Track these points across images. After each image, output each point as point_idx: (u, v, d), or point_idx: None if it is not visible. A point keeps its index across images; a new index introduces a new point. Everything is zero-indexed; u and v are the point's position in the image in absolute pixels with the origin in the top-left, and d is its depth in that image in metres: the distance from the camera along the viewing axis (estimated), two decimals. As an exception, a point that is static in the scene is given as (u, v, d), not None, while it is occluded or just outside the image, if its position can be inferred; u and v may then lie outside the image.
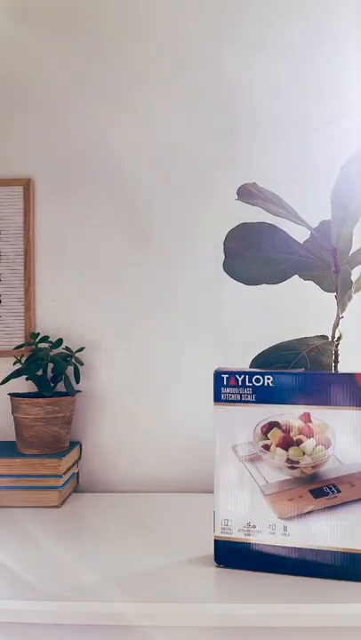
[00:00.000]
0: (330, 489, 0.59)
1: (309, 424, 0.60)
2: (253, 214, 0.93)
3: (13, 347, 0.95)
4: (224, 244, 0.80)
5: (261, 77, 0.95)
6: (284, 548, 0.59)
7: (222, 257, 0.82)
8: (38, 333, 0.92)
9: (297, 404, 0.60)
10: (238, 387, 0.62)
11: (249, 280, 0.79)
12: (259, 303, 0.95)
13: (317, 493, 0.59)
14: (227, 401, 0.63)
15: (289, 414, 0.60)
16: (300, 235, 0.85)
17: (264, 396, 0.61)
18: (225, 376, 0.63)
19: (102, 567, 0.62)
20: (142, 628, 0.54)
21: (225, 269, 0.79)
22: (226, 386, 0.63)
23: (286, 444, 0.60)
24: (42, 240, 0.97)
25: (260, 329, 0.94)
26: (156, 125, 0.96)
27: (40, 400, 0.84)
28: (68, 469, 0.86)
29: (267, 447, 0.61)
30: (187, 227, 0.96)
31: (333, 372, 0.64)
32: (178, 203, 0.96)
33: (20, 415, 0.85)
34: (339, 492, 0.59)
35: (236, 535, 0.61)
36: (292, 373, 0.62)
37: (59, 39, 0.97)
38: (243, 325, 0.94)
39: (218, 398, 0.63)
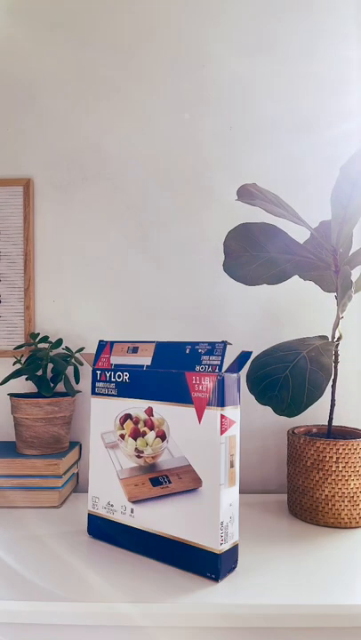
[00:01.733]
0: (163, 479, 0.64)
1: (151, 417, 0.65)
2: (253, 214, 0.93)
3: (13, 347, 0.95)
4: (224, 244, 0.80)
5: (261, 77, 0.95)
6: (131, 528, 0.66)
7: (222, 257, 0.82)
8: (38, 333, 0.92)
9: (144, 398, 0.66)
10: (106, 382, 0.70)
11: (249, 280, 0.79)
12: (259, 303, 0.95)
13: (155, 482, 0.65)
14: (99, 394, 0.71)
15: (139, 407, 0.67)
16: (300, 235, 0.86)
17: (123, 390, 0.69)
18: (98, 372, 0.71)
19: (102, 567, 0.62)
20: (142, 627, 0.54)
21: (225, 269, 0.80)
22: (98, 380, 0.71)
23: (135, 434, 0.67)
24: (42, 240, 0.97)
25: (260, 329, 0.94)
26: (157, 125, 0.96)
27: (40, 400, 0.84)
28: (68, 470, 0.86)
29: (122, 436, 0.68)
30: (187, 227, 0.96)
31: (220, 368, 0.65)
32: (178, 203, 0.96)
33: (20, 415, 0.85)
34: (170, 482, 0.63)
35: (101, 512, 0.69)
36: (141, 371, 0.67)
37: (59, 39, 0.97)
38: (243, 325, 0.95)
39: (93, 391, 0.72)
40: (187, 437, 0.61)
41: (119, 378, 0.69)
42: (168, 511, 0.62)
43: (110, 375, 0.70)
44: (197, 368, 0.61)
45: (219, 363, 0.60)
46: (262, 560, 0.64)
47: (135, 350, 0.69)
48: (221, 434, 0.59)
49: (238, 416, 0.61)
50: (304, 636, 0.54)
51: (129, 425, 0.67)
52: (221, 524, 0.58)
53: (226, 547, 0.59)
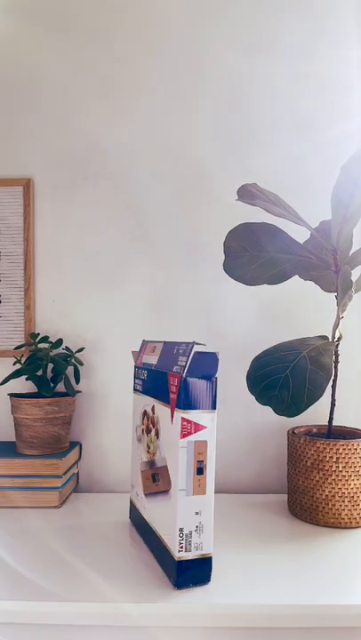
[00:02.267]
0: (155, 477, 0.65)
1: (153, 415, 0.67)
2: (254, 214, 0.93)
3: (13, 347, 0.95)
4: (224, 244, 0.80)
5: (262, 77, 0.95)
6: (144, 519, 0.69)
7: (222, 257, 0.82)
8: (38, 333, 0.92)
9: (150, 396, 0.68)
10: (138, 378, 0.75)
11: (249, 280, 0.79)
12: (259, 303, 0.95)
13: (153, 478, 0.66)
14: (135, 390, 0.76)
15: (149, 405, 0.69)
16: (300, 235, 0.86)
17: (144, 387, 0.71)
18: (136, 369, 0.76)
19: (102, 567, 0.62)
20: (142, 627, 0.54)
21: (225, 269, 0.80)
22: (136, 377, 0.76)
23: (148, 430, 0.69)
24: (42, 240, 0.97)
25: (260, 329, 0.94)
26: (157, 125, 0.96)
27: (40, 400, 0.84)
28: (68, 470, 0.86)
29: (143, 431, 0.71)
30: (187, 227, 0.96)
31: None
32: (178, 203, 0.96)
33: (20, 415, 0.85)
34: (159, 481, 0.64)
35: (134, 498, 0.74)
36: (150, 369, 0.69)
37: (59, 39, 0.97)
38: (243, 325, 0.94)
39: (133, 387, 0.78)
40: (167, 438, 0.61)
41: (143, 375, 0.72)
42: (155, 508, 0.64)
43: (139, 372, 0.74)
44: (174, 368, 0.60)
45: (184, 364, 0.58)
46: (262, 560, 0.64)
47: (153, 350, 0.71)
48: (182, 437, 0.57)
49: (212, 421, 0.58)
50: (304, 636, 0.54)
51: (145, 420, 0.70)
52: (181, 530, 0.57)
53: (187, 555, 0.57)
